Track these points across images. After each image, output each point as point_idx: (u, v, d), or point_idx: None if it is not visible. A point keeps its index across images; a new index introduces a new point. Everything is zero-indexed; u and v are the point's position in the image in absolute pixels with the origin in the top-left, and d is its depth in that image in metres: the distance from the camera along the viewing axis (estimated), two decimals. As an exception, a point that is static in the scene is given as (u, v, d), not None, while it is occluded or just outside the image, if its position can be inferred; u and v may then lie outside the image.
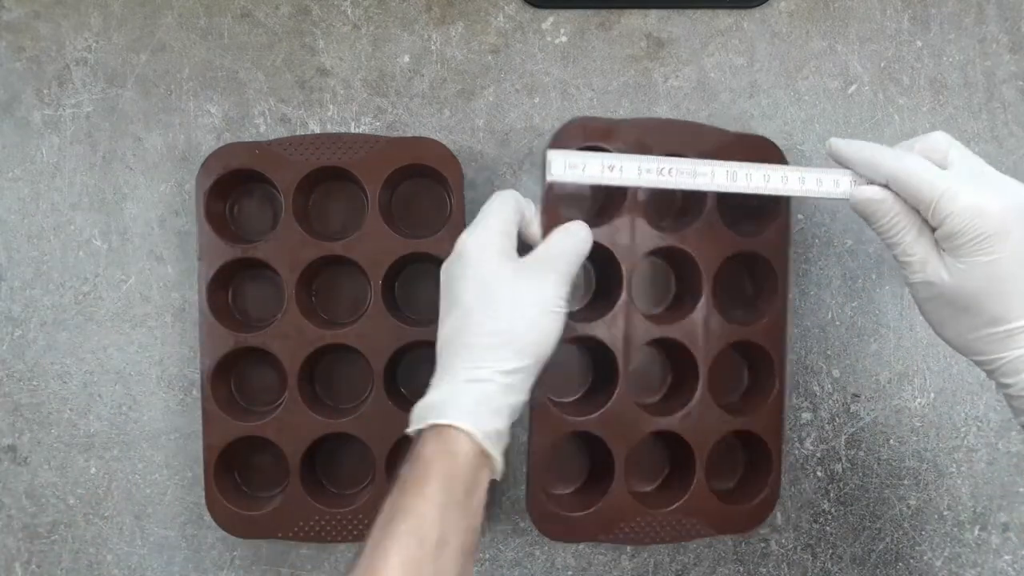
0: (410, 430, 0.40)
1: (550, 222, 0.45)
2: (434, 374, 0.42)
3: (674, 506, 0.50)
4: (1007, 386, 0.41)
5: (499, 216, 0.44)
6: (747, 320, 0.50)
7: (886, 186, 0.41)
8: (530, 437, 0.49)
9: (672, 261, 0.53)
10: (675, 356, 0.52)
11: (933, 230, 0.40)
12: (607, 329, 0.49)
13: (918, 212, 0.41)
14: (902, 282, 0.54)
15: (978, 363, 0.42)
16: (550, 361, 0.43)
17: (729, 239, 0.49)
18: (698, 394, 0.50)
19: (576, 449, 0.54)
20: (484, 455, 0.39)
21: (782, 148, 0.49)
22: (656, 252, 0.49)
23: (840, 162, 0.43)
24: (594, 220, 0.47)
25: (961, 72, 0.53)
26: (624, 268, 0.48)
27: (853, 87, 0.53)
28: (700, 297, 0.49)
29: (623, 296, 0.49)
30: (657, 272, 0.53)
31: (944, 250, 0.40)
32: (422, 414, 0.40)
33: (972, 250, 0.39)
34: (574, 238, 0.44)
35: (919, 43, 0.53)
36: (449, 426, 0.39)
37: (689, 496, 0.50)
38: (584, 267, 0.50)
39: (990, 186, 0.40)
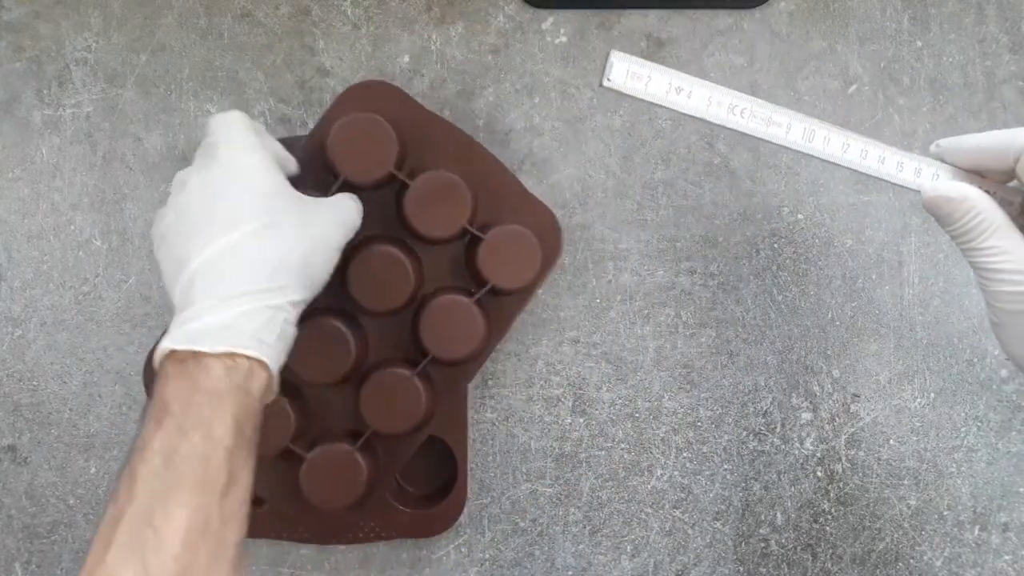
0: (175, 347, 0.34)
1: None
2: (193, 296, 0.36)
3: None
4: None
5: (262, 143, 0.40)
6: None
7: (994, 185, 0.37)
8: None
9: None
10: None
11: None
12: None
13: (1005, 209, 0.37)
14: (902, 282, 0.54)
15: None
16: None
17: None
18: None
19: None
20: (271, 389, 0.37)
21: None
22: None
23: (955, 160, 0.39)
24: None
25: (961, 72, 0.53)
26: None
27: (853, 87, 0.53)
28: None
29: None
30: None
31: None
32: (196, 338, 0.34)
33: None
34: (355, 203, 0.43)
35: (919, 43, 0.53)
36: (245, 357, 0.35)
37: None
38: None
39: None
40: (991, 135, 0.37)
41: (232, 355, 0.34)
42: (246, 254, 0.36)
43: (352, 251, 0.46)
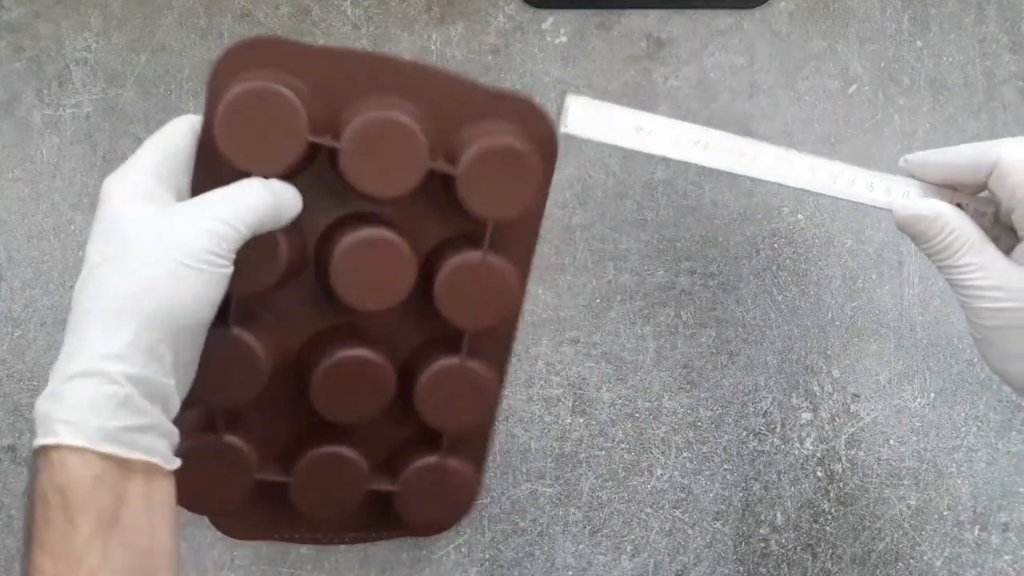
0: (35, 445, 0.31)
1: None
2: None
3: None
4: None
5: (157, 149, 0.35)
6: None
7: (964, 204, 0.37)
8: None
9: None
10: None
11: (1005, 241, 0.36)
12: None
13: (979, 220, 0.36)
14: (902, 282, 0.54)
15: None
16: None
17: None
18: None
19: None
20: (124, 463, 0.31)
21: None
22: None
23: (924, 175, 0.38)
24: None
25: (961, 72, 0.53)
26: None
27: (853, 87, 0.53)
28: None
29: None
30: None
31: None
32: (38, 422, 0.31)
33: None
34: (247, 192, 0.34)
35: (919, 43, 0.53)
36: (55, 447, 0.30)
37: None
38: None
39: None
40: (962, 149, 0.37)
41: (44, 448, 0.31)
42: (77, 308, 0.32)
43: (324, 250, 0.40)
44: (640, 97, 0.53)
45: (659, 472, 0.55)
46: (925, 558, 0.55)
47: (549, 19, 0.53)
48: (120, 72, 0.52)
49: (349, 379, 0.40)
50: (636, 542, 0.55)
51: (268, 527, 0.50)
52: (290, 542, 0.52)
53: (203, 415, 0.41)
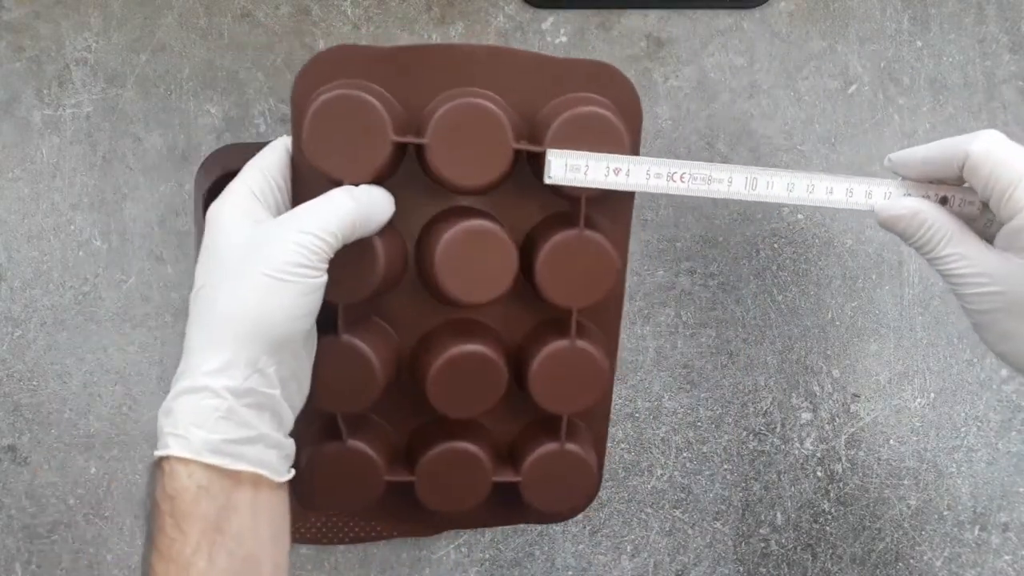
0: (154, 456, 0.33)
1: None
2: None
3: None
4: None
5: (253, 171, 0.36)
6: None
7: (943, 199, 0.38)
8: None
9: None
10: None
11: (984, 228, 0.37)
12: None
13: (959, 218, 0.38)
14: (902, 282, 0.54)
15: None
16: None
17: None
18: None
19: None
20: (231, 474, 0.32)
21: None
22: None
23: (906, 172, 0.39)
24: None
25: (961, 72, 0.53)
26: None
27: (853, 87, 0.53)
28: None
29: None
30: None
31: (1008, 249, 0.36)
32: (158, 435, 0.33)
33: None
34: (331, 201, 0.35)
35: (919, 43, 0.53)
36: (166, 458, 0.32)
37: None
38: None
39: None
40: (935, 146, 0.38)
41: (159, 459, 0.33)
42: (188, 330, 0.34)
43: (424, 250, 0.40)
44: (640, 97, 0.53)
45: (659, 472, 0.55)
46: (925, 558, 0.55)
47: (549, 19, 0.53)
48: (120, 72, 0.52)
49: (462, 374, 0.40)
50: (636, 542, 0.55)
51: (398, 524, 0.48)
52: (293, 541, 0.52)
53: (328, 423, 0.41)
